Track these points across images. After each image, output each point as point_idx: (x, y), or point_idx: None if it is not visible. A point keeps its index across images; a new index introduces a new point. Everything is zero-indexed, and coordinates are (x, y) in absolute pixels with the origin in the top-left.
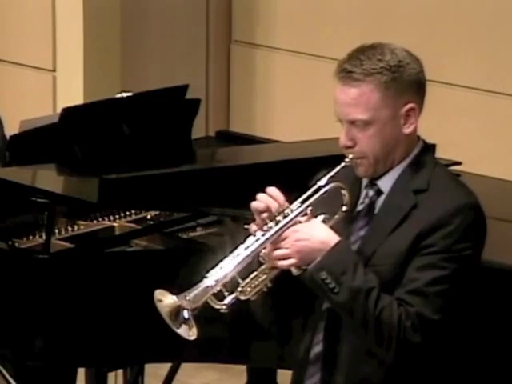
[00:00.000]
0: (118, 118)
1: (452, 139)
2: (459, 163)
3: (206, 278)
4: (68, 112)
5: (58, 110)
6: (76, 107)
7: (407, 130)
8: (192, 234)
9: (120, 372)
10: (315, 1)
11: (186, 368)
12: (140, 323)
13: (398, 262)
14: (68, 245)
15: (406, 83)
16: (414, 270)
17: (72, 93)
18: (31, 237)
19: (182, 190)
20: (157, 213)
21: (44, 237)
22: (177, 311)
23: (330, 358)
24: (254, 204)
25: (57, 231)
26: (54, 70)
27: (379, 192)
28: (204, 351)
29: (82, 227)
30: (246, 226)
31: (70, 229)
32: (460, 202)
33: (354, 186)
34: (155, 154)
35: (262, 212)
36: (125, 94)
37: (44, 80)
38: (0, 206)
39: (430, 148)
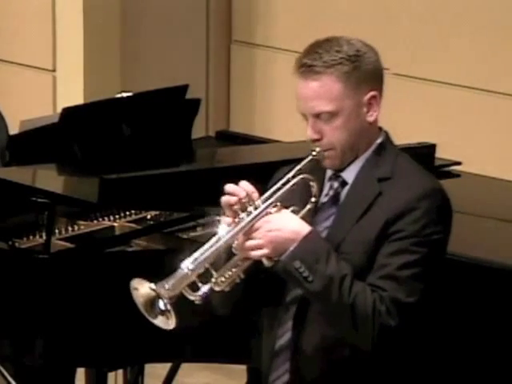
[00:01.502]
0: (118, 118)
1: (452, 139)
2: (459, 163)
3: (181, 268)
4: (68, 112)
5: (58, 110)
6: (76, 107)
7: (370, 118)
8: (192, 234)
9: (120, 372)
10: (315, 1)
11: (185, 368)
12: (140, 323)
13: (367, 249)
14: (68, 245)
15: (366, 72)
16: (384, 256)
17: (72, 93)
18: (31, 237)
19: (182, 189)
20: (157, 213)
21: (44, 237)
22: (153, 301)
23: (299, 347)
24: (224, 198)
25: (57, 231)
26: (54, 70)
27: (344, 183)
28: (204, 351)
29: (82, 227)
30: (217, 218)
31: (70, 229)
32: (425, 187)
33: (317, 179)
34: (155, 154)
35: (233, 205)
36: (125, 94)
37: (44, 80)
38: (0, 206)
39: (390, 137)
